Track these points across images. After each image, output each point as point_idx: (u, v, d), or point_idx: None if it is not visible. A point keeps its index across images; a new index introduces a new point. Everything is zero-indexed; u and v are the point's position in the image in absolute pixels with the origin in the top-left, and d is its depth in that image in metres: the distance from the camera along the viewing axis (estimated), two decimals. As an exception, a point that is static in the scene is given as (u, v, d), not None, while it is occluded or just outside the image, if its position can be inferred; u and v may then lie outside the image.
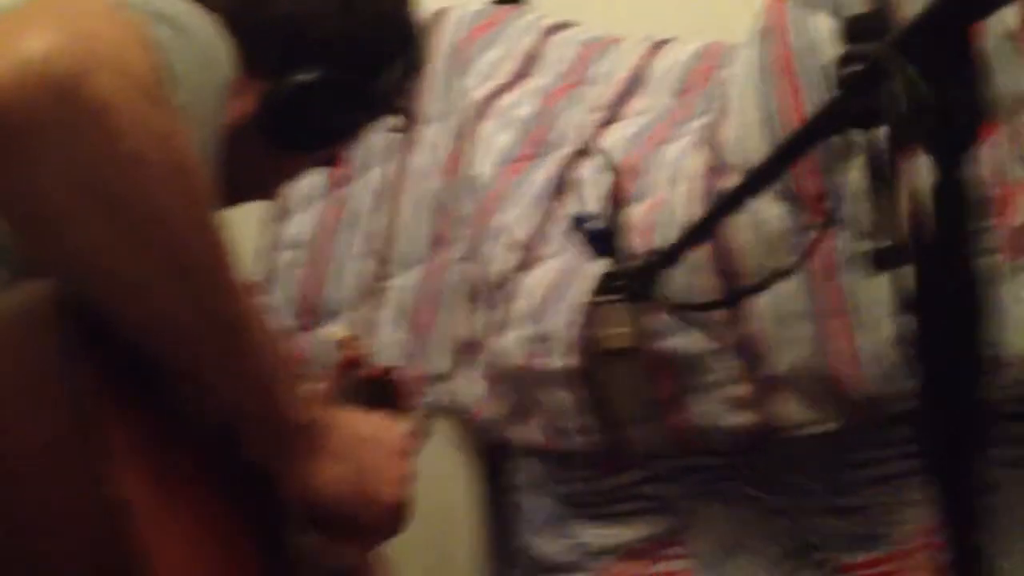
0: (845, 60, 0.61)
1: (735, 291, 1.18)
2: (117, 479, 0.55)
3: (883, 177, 0.57)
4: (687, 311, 1.21)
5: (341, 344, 1.39)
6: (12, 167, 0.54)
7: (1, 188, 0.56)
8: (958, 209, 0.56)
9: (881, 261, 0.54)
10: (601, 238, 1.00)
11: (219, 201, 0.98)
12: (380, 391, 1.38)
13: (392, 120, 1.11)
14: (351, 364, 1.33)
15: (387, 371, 1.39)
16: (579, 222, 1.00)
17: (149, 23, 0.64)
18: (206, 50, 0.74)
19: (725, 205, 0.84)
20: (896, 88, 0.56)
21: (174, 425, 0.69)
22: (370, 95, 1.00)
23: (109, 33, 0.57)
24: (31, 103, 0.52)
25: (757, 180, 0.79)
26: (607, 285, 1.08)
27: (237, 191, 1.04)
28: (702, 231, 0.90)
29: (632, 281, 1.00)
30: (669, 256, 0.96)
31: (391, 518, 0.83)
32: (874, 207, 0.57)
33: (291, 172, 1.10)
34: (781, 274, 0.84)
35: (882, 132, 0.58)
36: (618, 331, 1.06)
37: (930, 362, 0.55)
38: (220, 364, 0.66)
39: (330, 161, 1.14)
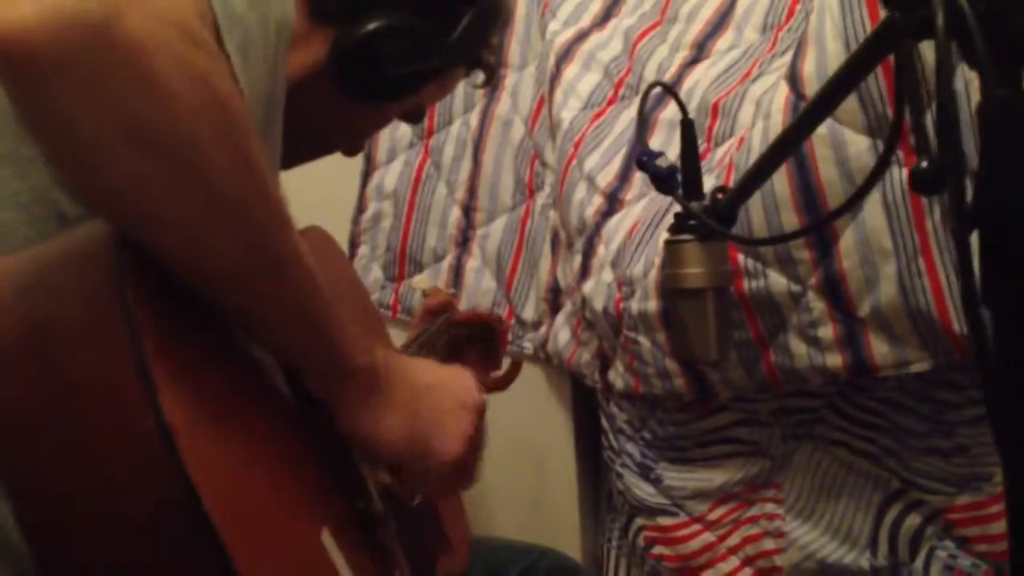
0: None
1: (807, 227, 1.14)
2: (166, 408, 0.56)
3: (920, 93, 0.54)
4: (761, 245, 1.18)
5: (426, 294, 1.41)
6: (46, 105, 0.55)
7: (37, 126, 0.57)
8: (1008, 129, 0.53)
9: (919, 183, 0.52)
10: (666, 176, 0.98)
11: (296, 154, 1.00)
12: (470, 335, 1.40)
13: (470, 70, 1.10)
14: (436, 311, 1.35)
15: (475, 315, 1.40)
16: (642, 160, 0.98)
17: None
18: None
19: (789, 137, 0.81)
20: (939, 1, 0.54)
21: (231, 355, 0.70)
22: (445, 43, 0.96)
23: None
24: (62, 43, 0.53)
25: (819, 107, 0.76)
26: (681, 225, 1.06)
27: (314, 143, 1.04)
28: (767, 165, 0.87)
29: (705, 220, 0.98)
30: (739, 192, 0.93)
31: (449, 473, 0.82)
32: (913, 125, 0.54)
33: (370, 123, 1.09)
34: (853, 200, 0.81)
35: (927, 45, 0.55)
36: (692, 271, 1.05)
37: (976, 296, 0.53)
38: (267, 300, 0.66)
39: (417, 114, 1.11)
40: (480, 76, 1.11)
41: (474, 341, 1.39)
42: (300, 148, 0.99)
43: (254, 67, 0.72)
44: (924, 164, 0.52)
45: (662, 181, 0.99)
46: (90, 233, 0.61)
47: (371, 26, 0.92)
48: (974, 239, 0.55)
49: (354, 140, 1.10)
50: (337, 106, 0.97)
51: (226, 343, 0.70)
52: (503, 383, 1.40)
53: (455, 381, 0.85)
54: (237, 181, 0.60)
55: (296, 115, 0.85)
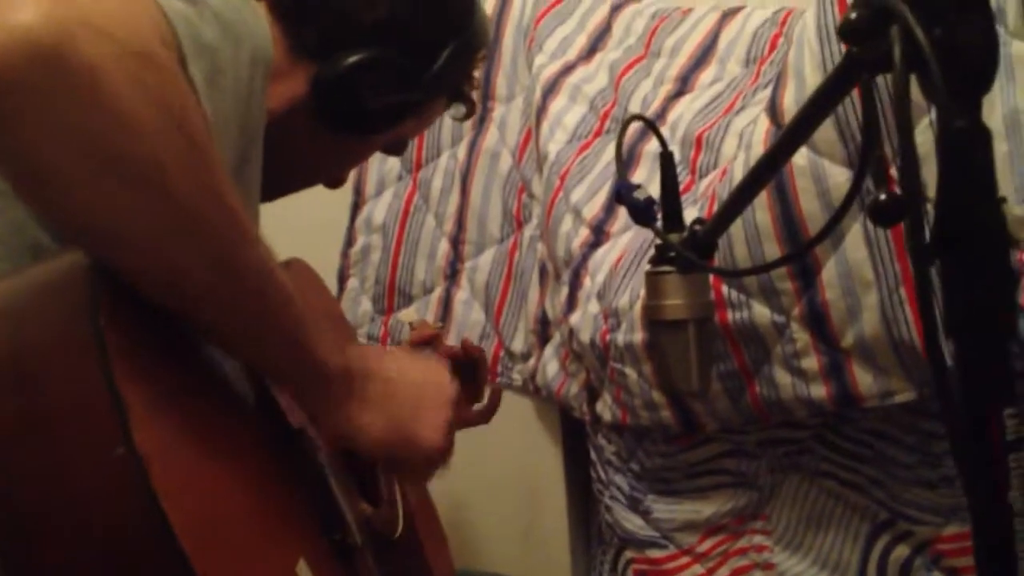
0: (852, 7, 0.59)
1: (790, 254, 1.14)
2: (138, 437, 0.56)
3: (877, 124, 0.54)
4: (738, 276, 1.19)
5: (413, 327, 1.41)
6: (2, 131, 0.56)
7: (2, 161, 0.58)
8: (966, 159, 0.54)
9: (877, 215, 0.52)
10: (643, 208, 0.99)
11: (279, 186, 1.00)
12: (453, 368, 1.40)
13: (451, 103, 1.11)
14: (422, 342, 1.35)
15: (459, 349, 1.40)
16: (620, 192, 0.98)
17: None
18: (232, 20, 0.74)
19: (763, 168, 0.82)
20: (898, 33, 0.54)
21: (205, 380, 0.71)
22: (425, 77, 0.98)
23: (102, 2, 0.58)
24: (15, 69, 0.54)
25: (790, 140, 0.77)
26: (662, 256, 1.07)
27: (297, 175, 1.05)
28: (744, 196, 0.87)
29: (683, 252, 0.98)
30: (717, 223, 0.94)
31: (430, 462, 0.84)
32: (869, 156, 0.55)
33: (352, 156, 1.10)
34: (828, 228, 0.81)
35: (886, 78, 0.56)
36: (672, 302, 1.05)
37: (932, 319, 0.53)
38: (237, 313, 0.67)
39: (399, 146, 1.12)
40: (461, 109, 1.12)
41: (457, 374, 1.39)
42: (282, 180, 1.00)
43: (224, 95, 0.73)
44: (883, 197, 0.53)
45: (640, 213, 1.00)
46: (63, 262, 0.61)
47: (351, 60, 0.93)
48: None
49: (336, 173, 1.11)
50: (318, 139, 0.98)
51: (200, 367, 0.71)
52: (486, 415, 1.40)
53: (428, 371, 0.87)
54: (198, 197, 0.61)
55: (278, 147, 0.86)
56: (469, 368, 1.38)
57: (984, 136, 0.55)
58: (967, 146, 0.54)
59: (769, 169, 0.84)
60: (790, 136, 0.76)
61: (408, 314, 1.57)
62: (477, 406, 1.40)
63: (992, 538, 0.57)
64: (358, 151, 1.09)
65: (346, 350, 0.77)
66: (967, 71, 0.55)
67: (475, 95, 1.12)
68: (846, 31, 0.57)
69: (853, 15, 0.57)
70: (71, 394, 0.58)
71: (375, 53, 0.94)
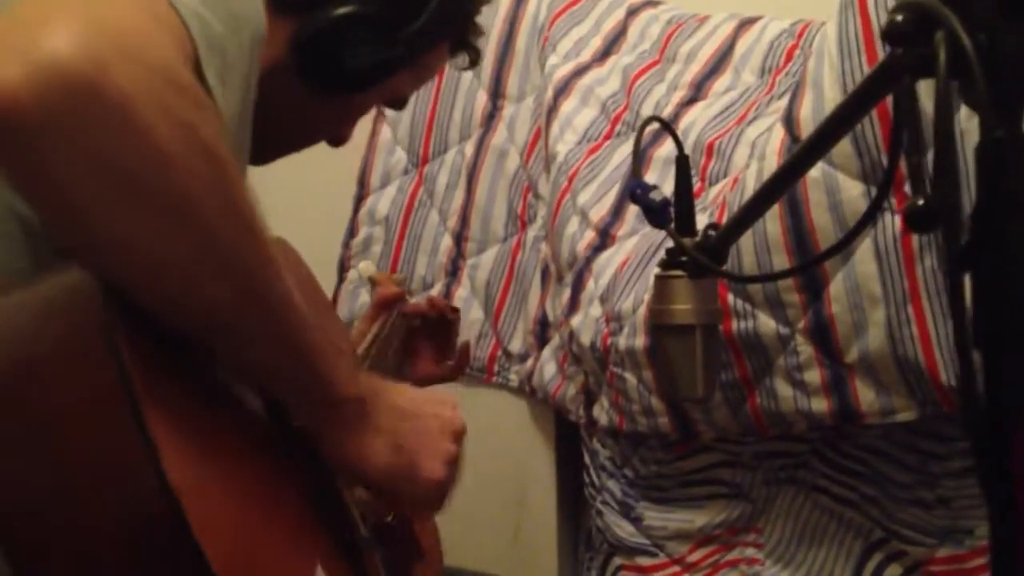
0: (896, 10, 0.58)
1: (800, 265, 1.14)
2: (152, 434, 0.55)
3: (920, 131, 0.54)
4: (751, 283, 1.18)
5: (374, 281, 1.37)
6: (35, 166, 0.54)
7: (27, 186, 0.57)
8: (1005, 171, 0.53)
9: (914, 221, 0.51)
10: (658, 209, 0.98)
11: (273, 147, 0.97)
12: (422, 324, 1.37)
13: (455, 52, 1.06)
14: (388, 303, 1.31)
15: (428, 304, 1.37)
16: (635, 192, 0.97)
17: None
18: (237, 10, 0.72)
19: (783, 176, 0.81)
20: (943, 38, 0.54)
21: (217, 394, 0.70)
22: (409, 31, 0.93)
23: (129, 20, 0.57)
24: (49, 104, 0.52)
25: (814, 147, 0.76)
26: (672, 260, 1.06)
27: (291, 137, 1.01)
28: (760, 204, 0.86)
29: (696, 255, 0.97)
30: (731, 230, 0.93)
31: (432, 494, 0.82)
32: (911, 162, 0.54)
33: (344, 113, 1.04)
34: (844, 242, 0.81)
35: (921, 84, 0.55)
36: (681, 307, 1.04)
37: (965, 332, 0.52)
38: (257, 340, 0.66)
39: (399, 101, 1.07)
40: (466, 59, 1.07)
41: (427, 331, 1.36)
42: (277, 141, 0.98)
43: (231, 91, 0.71)
44: (920, 202, 0.52)
45: (654, 214, 0.99)
46: (74, 279, 0.60)
47: (330, 14, 0.90)
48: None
49: (333, 131, 1.06)
50: (304, 98, 0.94)
51: (210, 381, 0.70)
52: (455, 371, 1.37)
53: (436, 404, 0.84)
54: (226, 227, 0.60)
55: (264, 109, 0.82)
56: (439, 324, 1.36)
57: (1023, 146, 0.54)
58: (1006, 155, 0.53)
59: (789, 178, 0.83)
60: (814, 144, 0.76)
61: (367, 266, 1.48)
62: (447, 363, 1.37)
63: (1010, 554, 0.56)
64: (350, 108, 1.03)
65: (359, 379, 0.76)
66: (1009, 80, 0.55)
67: (480, 41, 1.07)
68: (890, 33, 0.56)
69: (898, 17, 0.57)
70: (95, 428, 0.56)
71: (355, 7, 0.90)
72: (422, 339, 1.37)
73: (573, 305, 1.49)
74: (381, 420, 0.77)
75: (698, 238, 0.96)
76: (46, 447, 0.56)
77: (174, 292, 0.61)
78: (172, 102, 0.56)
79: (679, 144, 1.07)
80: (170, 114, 0.56)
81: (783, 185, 0.85)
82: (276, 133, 0.90)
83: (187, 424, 0.61)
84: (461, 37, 1.04)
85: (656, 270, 1.08)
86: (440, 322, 1.36)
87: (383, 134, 1.85)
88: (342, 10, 0.90)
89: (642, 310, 1.35)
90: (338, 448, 0.75)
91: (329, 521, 0.79)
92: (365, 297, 1.84)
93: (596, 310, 1.45)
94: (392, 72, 0.95)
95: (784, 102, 1.33)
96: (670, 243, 1.12)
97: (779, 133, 1.26)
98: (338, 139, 1.06)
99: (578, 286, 1.49)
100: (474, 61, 1.08)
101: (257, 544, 0.64)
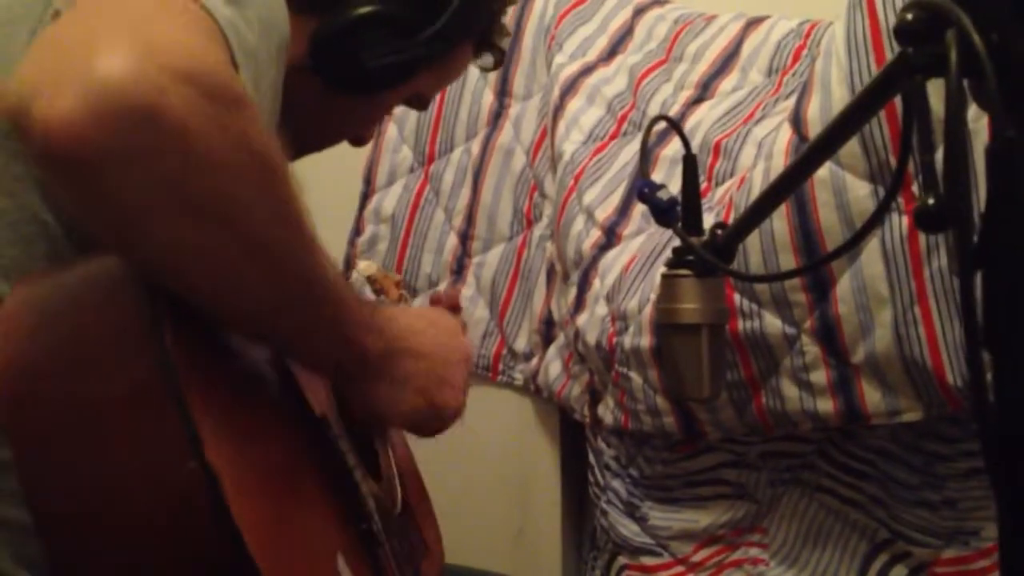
0: (907, 8, 0.58)
1: (807, 265, 1.13)
2: (196, 423, 0.57)
3: (930, 130, 0.54)
4: (758, 282, 1.18)
5: (372, 280, 1.37)
6: (101, 196, 0.56)
7: (94, 214, 0.58)
8: (1016, 171, 0.53)
9: (923, 221, 0.51)
10: (666, 208, 0.98)
11: (292, 151, 0.99)
12: None
13: (479, 53, 1.06)
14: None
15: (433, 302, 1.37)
16: (643, 191, 0.97)
17: (213, 6, 0.64)
18: (266, 16, 0.74)
19: (791, 175, 0.81)
20: (954, 37, 0.53)
21: (254, 376, 0.72)
22: (429, 31, 0.93)
23: (176, 38, 0.58)
24: (111, 134, 0.53)
25: (823, 146, 0.76)
26: (679, 259, 1.06)
27: (311, 137, 1.02)
28: (768, 203, 0.86)
29: (703, 254, 0.97)
30: (739, 229, 0.93)
31: (453, 420, 0.87)
32: (920, 163, 0.54)
33: (366, 114, 1.05)
34: (853, 241, 0.81)
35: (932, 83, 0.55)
36: (687, 306, 1.04)
37: (976, 335, 0.52)
38: (300, 326, 0.69)
39: (420, 102, 1.08)
40: (490, 59, 1.08)
41: None
42: (298, 141, 0.96)
43: (262, 98, 0.73)
44: (930, 201, 0.52)
45: (662, 213, 0.99)
46: (106, 266, 0.62)
47: (350, 14, 0.90)
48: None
49: (354, 131, 1.07)
50: (323, 98, 0.95)
51: (248, 362, 0.72)
52: None
53: (445, 334, 0.88)
54: (278, 229, 0.63)
55: (286, 108, 0.84)
56: None
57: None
58: (1017, 156, 0.53)
59: (797, 177, 0.83)
60: (823, 143, 0.76)
61: (368, 266, 1.49)
62: None
63: (1019, 555, 0.56)
64: (371, 108, 1.04)
65: (383, 330, 0.78)
66: (1021, 79, 0.55)
67: (505, 42, 1.08)
68: (900, 31, 0.56)
69: (909, 16, 0.57)
70: (124, 388, 0.58)
71: (375, 7, 0.91)
72: None
73: (579, 304, 1.49)
74: (404, 368, 0.81)
75: (705, 237, 0.95)
76: (92, 436, 0.57)
77: (224, 292, 0.63)
78: (224, 118, 0.57)
79: (686, 143, 1.07)
80: (223, 130, 0.57)
81: (791, 184, 0.85)
82: (298, 133, 0.91)
83: (228, 411, 0.63)
84: (484, 38, 1.04)
85: (662, 269, 1.08)
86: None
87: (389, 132, 1.85)
88: (362, 10, 0.90)
89: (648, 309, 1.35)
90: (366, 402, 0.79)
91: (348, 511, 0.81)
92: (370, 295, 1.84)
93: (602, 309, 1.45)
94: (412, 73, 0.95)
95: (791, 102, 1.33)
96: (676, 242, 1.12)
97: (786, 132, 1.26)
98: (359, 139, 1.07)
99: (584, 285, 1.49)
100: (499, 62, 1.09)
101: (289, 530, 0.66)
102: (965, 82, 0.56)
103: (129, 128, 0.53)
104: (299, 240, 0.65)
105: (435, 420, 0.85)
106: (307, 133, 0.99)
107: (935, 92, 0.59)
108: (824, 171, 1.18)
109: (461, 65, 1.05)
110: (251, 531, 0.57)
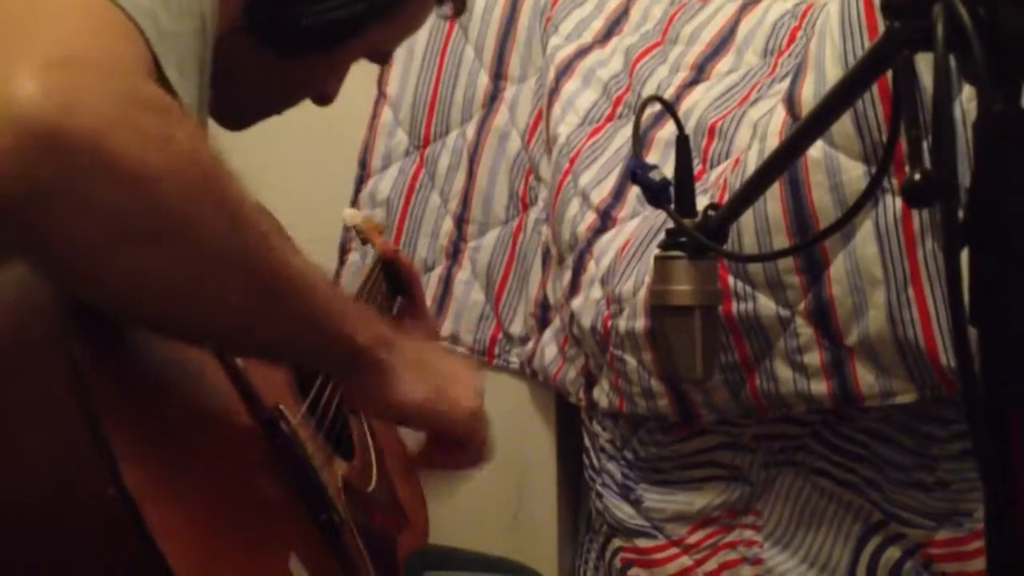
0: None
1: (800, 244, 1.13)
2: (112, 442, 0.54)
3: (918, 103, 0.53)
4: (750, 261, 1.17)
5: (356, 229, 1.37)
6: (31, 234, 0.52)
7: (29, 253, 0.54)
8: (1003, 145, 0.52)
9: (911, 195, 0.51)
10: (658, 189, 0.97)
11: (248, 111, 0.94)
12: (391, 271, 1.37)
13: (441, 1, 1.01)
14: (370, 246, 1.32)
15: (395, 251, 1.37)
16: (635, 171, 0.97)
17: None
18: None
19: (782, 154, 0.81)
20: (940, 10, 0.53)
21: (174, 378, 0.68)
22: None
23: (78, 42, 0.54)
24: (28, 168, 0.49)
25: (816, 123, 0.76)
26: (672, 241, 1.05)
27: (265, 100, 0.97)
28: (760, 183, 0.86)
29: (696, 235, 0.97)
30: (731, 210, 0.93)
31: (470, 422, 0.84)
32: (907, 137, 0.54)
33: (317, 72, 0.97)
34: (845, 219, 0.80)
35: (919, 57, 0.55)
36: (680, 288, 1.04)
37: (961, 309, 0.52)
38: (277, 327, 0.65)
39: (381, 56, 1.01)
40: (447, 7, 1.02)
41: (394, 289, 1.37)
42: (252, 104, 0.95)
43: (189, 78, 0.68)
44: (916, 176, 0.51)
45: (654, 194, 0.98)
46: (20, 275, 0.58)
47: None
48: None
49: (312, 90, 1.00)
50: (268, 59, 0.89)
51: (176, 366, 0.68)
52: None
53: (450, 352, 0.86)
54: (227, 228, 0.58)
55: (231, 72, 0.80)
56: (399, 281, 1.37)
57: (1022, 121, 0.54)
58: (1005, 130, 0.53)
59: (789, 156, 0.83)
60: (814, 122, 0.75)
61: (353, 215, 1.46)
62: (423, 321, 1.39)
63: (1005, 532, 0.56)
64: (325, 66, 0.97)
65: (375, 321, 0.76)
66: (1009, 54, 0.54)
67: None
68: (888, 6, 0.56)
69: (893, -7, 0.56)
70: (49, 426, 0.54)
71: None
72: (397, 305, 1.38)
73: (574, 287, 1.49)
74: (407, 355, 0.78)
75: (698, 219, 0.95)
76: (2, 446, 0.54)
77: (186, 308, 0.59)
78: (140, 122, 0.53)
79: (679, 123, 1.06)
80: (141, 136, 0.53)
81: (784, 163, 0.85)
82: (250, 96, 0.88)
83: (151, 425, 0.60)
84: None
85: (656, 251, 1.08)
86: (399, 279, 1.36)
87: (384, 115, 1.84)
88: None
89: (643, 292, 1.35)
90: (373, 393, 0.76)
91: (304, 503, 0.78)
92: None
93: (597, 292, 1.45)
94: (358, 29, 0.90)
95: (786, 83, 1.32)
96: (671, 225, 1.12)
97: (781, 114, 1.26)
98: (323, 98, 1.01)
99: (579, 268, 1.49)
100: (459, 10, 1.03)
101: (226, 540, 0.62)
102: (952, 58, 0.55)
103: (42, 158, 0.49)
104: (261, 240, 0.61)
105: (449, 410, 0.81)
106: (259, 96, 0.95)
107: (927, 69, 0.59)
108: (818, 152, 1.18)
109: (421, 16, 0.99)
110: (180, 559, 0.54)
